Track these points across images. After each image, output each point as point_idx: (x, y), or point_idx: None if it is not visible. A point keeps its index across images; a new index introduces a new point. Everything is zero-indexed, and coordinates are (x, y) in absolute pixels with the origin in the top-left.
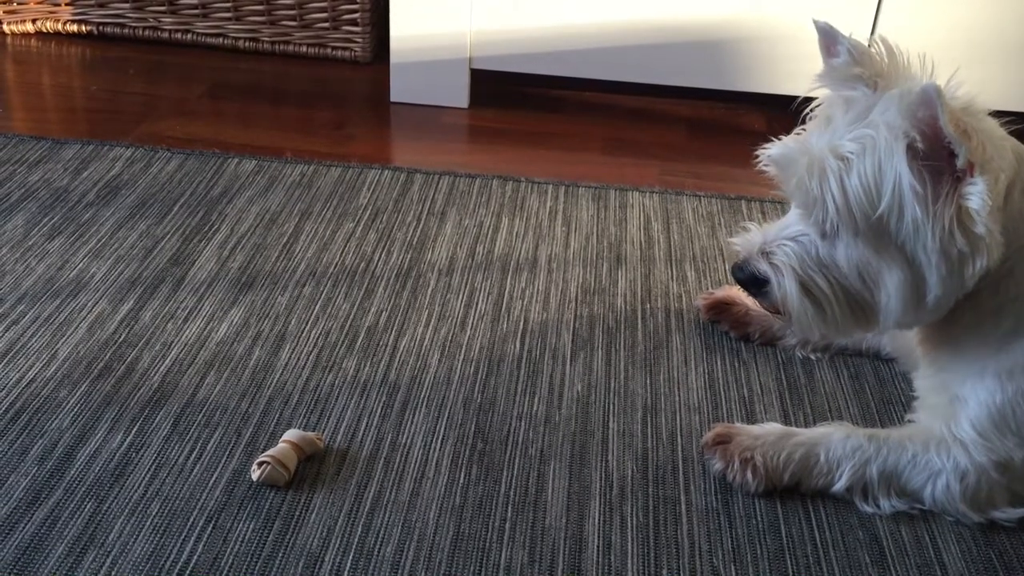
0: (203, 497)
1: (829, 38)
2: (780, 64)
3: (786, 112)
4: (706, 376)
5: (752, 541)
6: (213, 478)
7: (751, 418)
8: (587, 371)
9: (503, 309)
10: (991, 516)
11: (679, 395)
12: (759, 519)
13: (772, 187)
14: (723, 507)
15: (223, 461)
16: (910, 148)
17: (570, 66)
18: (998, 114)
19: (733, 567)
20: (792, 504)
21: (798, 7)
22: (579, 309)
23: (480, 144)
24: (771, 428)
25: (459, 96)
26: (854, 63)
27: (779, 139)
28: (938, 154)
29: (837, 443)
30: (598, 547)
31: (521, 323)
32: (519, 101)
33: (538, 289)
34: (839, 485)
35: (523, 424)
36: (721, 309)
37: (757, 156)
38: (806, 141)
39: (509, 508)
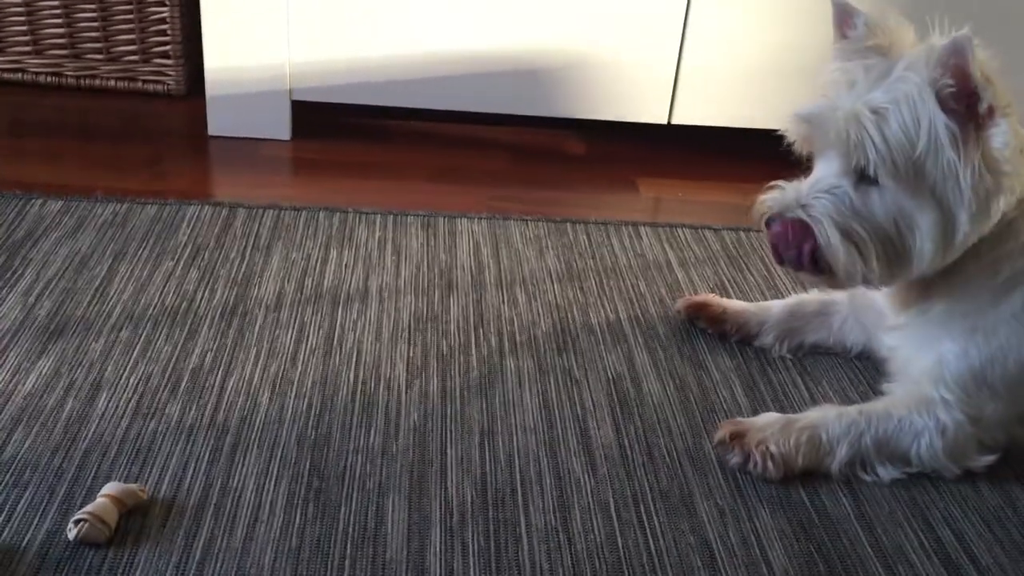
0: (13, 564)
1: (844, 13)
2: (597, 90)
3: (605, 137)
4: (540, 397)
5: (591, 556)
6: (24, 541)
7: (586, 432)
8: (423, 400)
9: (335, 342)
10: (967, 466)
11: (515, 417)
12: (596, 533)
13: (596, 209)
14: (562, 525)
15: (35, 522)
16: (939, 95)
17: (393, 96)
18: None
19: None
20: (627, 515)
21: (611, 37)
22: (412, 338)
23: (305, 176)
24: (771, 418)
25: (280, 128)
26: (870, 35)
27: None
28: (964, 100)
29: (833, 422)
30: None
31: (354, 355)
32: (343, 132)
33: (370, 320)
34: (838, 461)
35: (360, 458)
36: (699, 308)
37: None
38: (836, 100)
39: (348, 545)
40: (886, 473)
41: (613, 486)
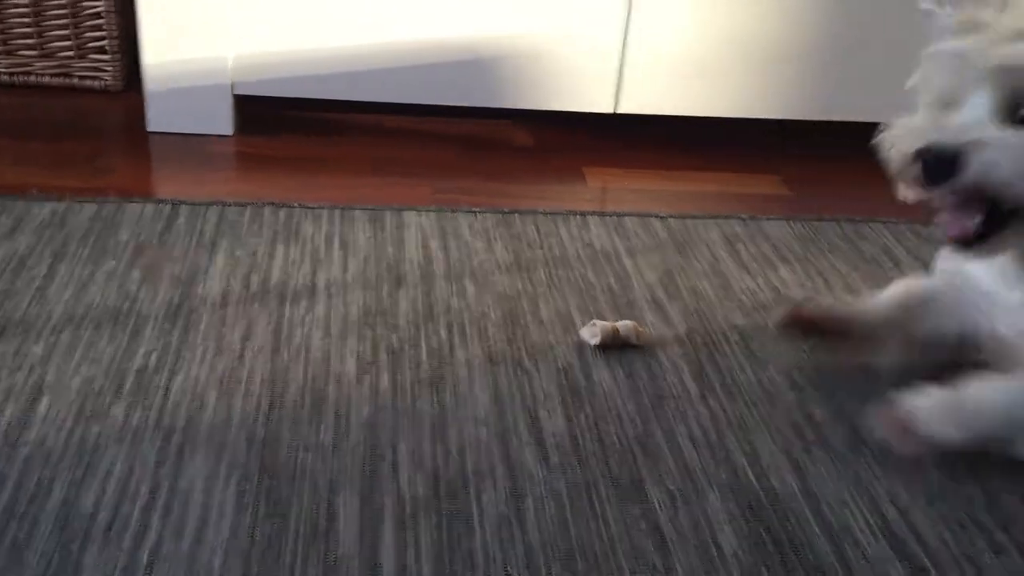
0: None
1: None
2: (543, 80)
3: (552, 127)
4: (491, 388)
5: (544, 545)
6: None
7: (536, 423)
8: (373, 394)
9: (283, 339)
10: None
11: (466, 409)
12: (549, 522)
13: (544, 200)
14: (515, 515)
15: None
16: None
17: (338, 89)
18: (747, 122)
19: (527, 573)
20: (579, 503)
21: (556, 26)
22: (362, 332)
23: (249, 172)
24: (933, 400)
25: (223, 123)
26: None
27: None
28: None
29: (993, 402)
30: (393, 570)
31: (303, 352)
32: (288, 126)
33: (318, 316)
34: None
35: (310, 455)
36: (814, 323)
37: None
38: (992, 40)
39: (300, 543)
40: None
41: (565, 475)
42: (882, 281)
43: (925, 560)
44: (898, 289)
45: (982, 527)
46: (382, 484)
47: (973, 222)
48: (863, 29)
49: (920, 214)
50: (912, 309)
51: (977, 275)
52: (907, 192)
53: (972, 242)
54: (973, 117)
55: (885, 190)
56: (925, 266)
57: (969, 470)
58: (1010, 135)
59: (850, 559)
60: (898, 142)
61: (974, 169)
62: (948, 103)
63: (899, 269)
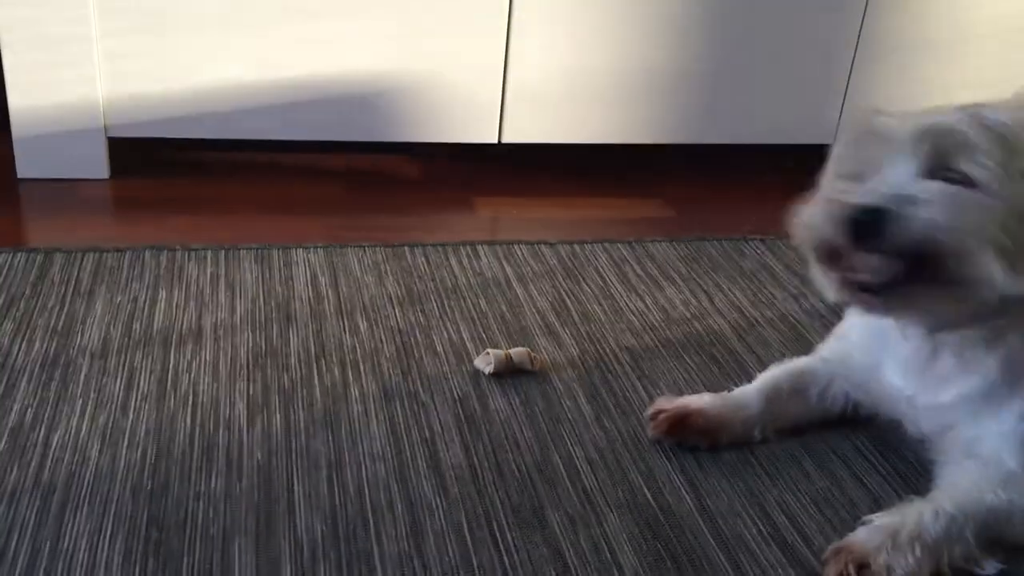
0: None
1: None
2: (428, 113)
3: (440, 159)
4: (387, 423)
5: None
6: None
7: (435, 455)
8: (266, 437)
9: (168, 386)
10: None
11: (362, 446)
12: (451, 555)
13: (434, 232)
14: (416, 551)
15: None
16: None
17: (216, 128)
18: (631, 148)
19: None
20: (480, 534)
21: (438, 59)
22: (252, 375)
23: (127, 216)
24: (874, 535)
25: (97, 167)
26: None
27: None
28: None
29: (931, 523)
30: None
31: (190, 398)
32: (166, 168)
33: (206, 360)
34: (955, 562)
35: (201, 504)
36: (680, 427)
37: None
38: (926, 112)
39: None
40: (991, 567)
41: (465, 506)
42: (761, 296)
43: (815, 565)
44: (769, 380)
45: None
46: (278, 529)
47: (889, 270)
48: (738, 56)
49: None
50: (785, 401)
51: (893, 379)
52: (825, 277)
53: (881, 291)
54: (898, 178)
55: (762, 208)
56: (802, 280)
57: (853, 475)
58: (942, 188)
59: (745, 569)
60: (815, 218)
61: (909, 224)
62: (863, 175)
63: (777, 283)
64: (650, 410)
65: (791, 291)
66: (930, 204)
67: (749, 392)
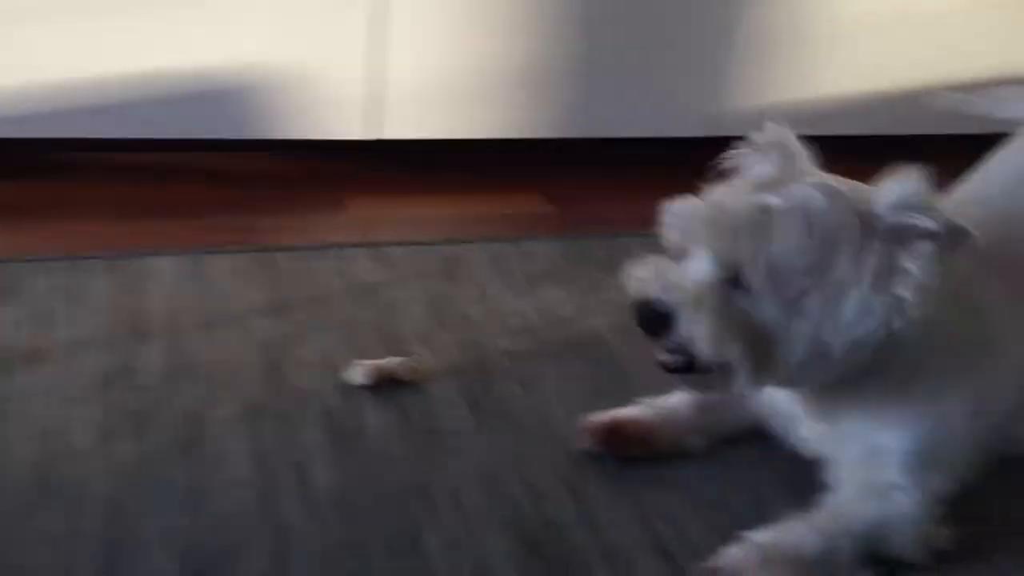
0: None
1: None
2: (298, 108)
3: (309, 157)
4: (251, 444)
5: None
6: None
7: (304, 477)
8: (115, 467)
9: (1, 413)
10: (936, 545)
11: (224, 472)
12: None
13: (304, 234)
14: None
15: None
16: (859, 215)
17: (63, 126)
18: (509, 142)
19: None
20: (351, 566)
21: (310, 52)
22: (99, 397)
23: None
24: (742, 551)
25: None
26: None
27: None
28: (884, 225)
29: (808, 542)
30: None
31: (26, 427)
32: (6, 171)
33: (45, 383)
34: None
35: (39, 545)
36: (617, 437)
37: None
38: (721, 198)
39: None
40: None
41: (336, 531)
42: None
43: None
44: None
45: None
46: (126, 569)
47: (676, 361)
48: (615, 50)
49: None
50: (715, 411)
51: (782, 404)
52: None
53: (676, 372)
54: (694, 274)
55: (643, 202)
56: None
57: (740, 481)
58: (717, 305)
59: None
60: (631, 285)
61: (681, 333)
62: (681, 253)
63: None
64: (583, 423)
65: None
66: (698, 320)
67: (680, 400)
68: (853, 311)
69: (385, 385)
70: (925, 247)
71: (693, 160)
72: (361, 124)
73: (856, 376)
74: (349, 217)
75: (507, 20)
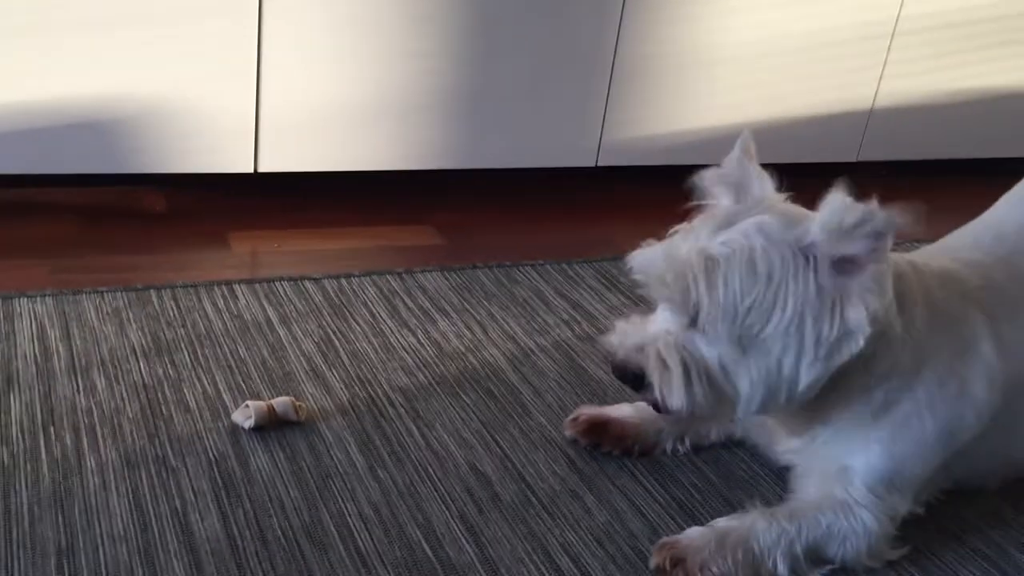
0: None
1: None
2: (175, 141)
3: (188, 191)
4: (130, 495)
5: None
6: None
7: (188, 527)
8: None
9: None
10: (885, 560)
11: (100, 526)
12: None
13: (184, 271)
14: None
15: None
16: (816, 257)
17: None
18: (397, 175)
19: None
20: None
21: (184, 83)
22: None
23: None
24: (702, 534)
25: None
26: (738, 167)
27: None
28: (846, 264)
29: (763, 532)
30: None
31: None
32: None
33: None
34: (780, 574)
35: None
36: (600, 432)
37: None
38: (674, 244)
39: None
40: (817, 574)
41: None
42: (535, 323)
43: None
44: None
45: (647, 560)
46: None
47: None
48: (497, 82)
49: (565, 254)
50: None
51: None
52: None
53: (664, 412)
54: (661, 322)
55: (531, 233)
56: (572, 305)
57: (632, 506)
58: (679, 359)
59: None
60: (611, 344)
61: (655, 391)
62: (653, 304)
63: (549, 309)
64: (573, 413)
65: (563, 317)
66: (666, 379)
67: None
68: (809, 341)
69: (273, 427)
70: (868, 267)
71: (578, 190)
72: (242, 157)
73: (828, 396)
74: (232, 254)
75: (389, 51)
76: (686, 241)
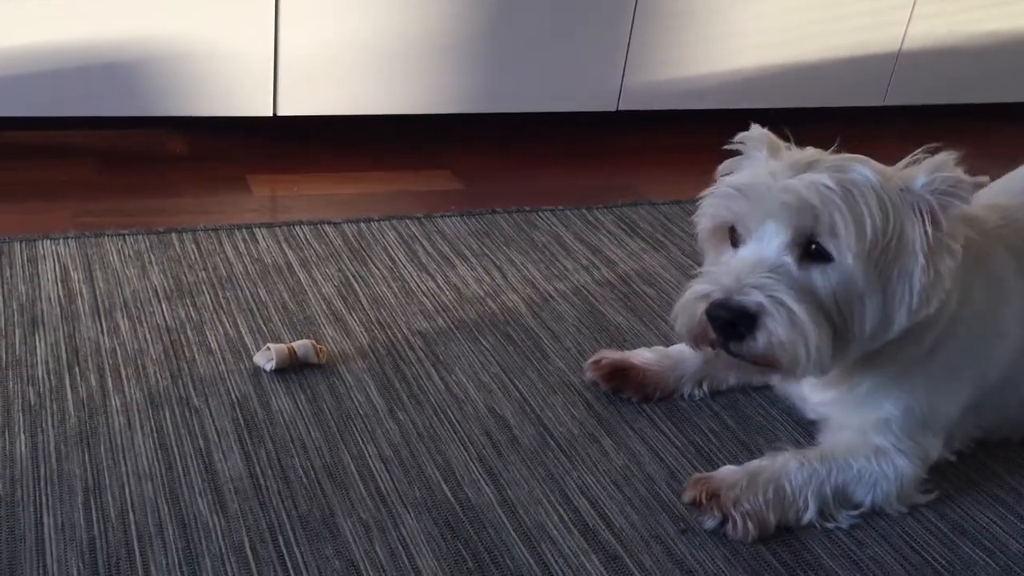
0: None
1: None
2: (195, 84)
3: (209, 135)
4: (154, 435)
5: None
6: None
7: (211, 466)
8: (7, 464)
9: None
10: (913, 504)
11: (126, 464)
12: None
13: (205, 215)
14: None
15: None
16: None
17: None
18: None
19: None
20: (265, 552)
21: (204, 25)
22: None
23: None
24: (735, 472)
25: None
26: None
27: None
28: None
29: (794, 472)
30: None
31: None
32: None
33: None
34: (809, 514)
35: None
36: (621, 377)
37: (713, 179)
38: (777, 175)
39: None
40: (844, 518)
41: (247, 522)
42: (554, 269)
43: (617, 547)
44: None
45: (664, 504)
46: (24, 570)
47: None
48: (519, 24)
49: (584, 199)
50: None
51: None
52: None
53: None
54: (765, 255)
55: (551, 178)
56: (592, 250)
57: (650, 450)
58: (797, 307)
59: (547, 559)
60: (686, 313)
61: (763, 342)
62: (739, 237)
63: (568, 255)
64: (594, 356)
65: (582, 262)
66: (775, 319)
67: (684, 349)
68: (916, 286)
69: (293, 369)
70: (956, 226)
71: (598, 135)
72: (262, 100)
73: (885, 345)
74: (252, 197)
75: None
76: (784, 178)
